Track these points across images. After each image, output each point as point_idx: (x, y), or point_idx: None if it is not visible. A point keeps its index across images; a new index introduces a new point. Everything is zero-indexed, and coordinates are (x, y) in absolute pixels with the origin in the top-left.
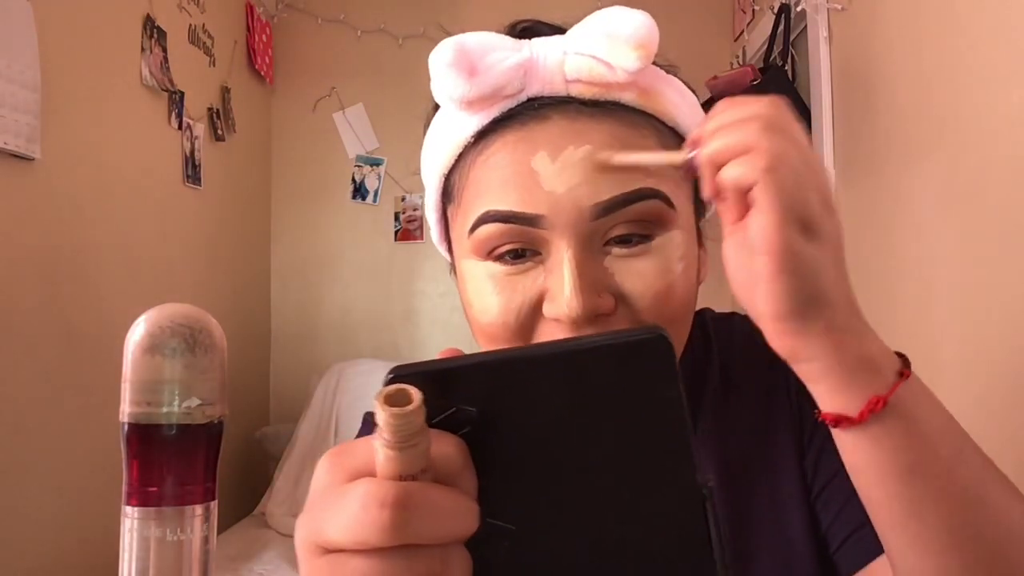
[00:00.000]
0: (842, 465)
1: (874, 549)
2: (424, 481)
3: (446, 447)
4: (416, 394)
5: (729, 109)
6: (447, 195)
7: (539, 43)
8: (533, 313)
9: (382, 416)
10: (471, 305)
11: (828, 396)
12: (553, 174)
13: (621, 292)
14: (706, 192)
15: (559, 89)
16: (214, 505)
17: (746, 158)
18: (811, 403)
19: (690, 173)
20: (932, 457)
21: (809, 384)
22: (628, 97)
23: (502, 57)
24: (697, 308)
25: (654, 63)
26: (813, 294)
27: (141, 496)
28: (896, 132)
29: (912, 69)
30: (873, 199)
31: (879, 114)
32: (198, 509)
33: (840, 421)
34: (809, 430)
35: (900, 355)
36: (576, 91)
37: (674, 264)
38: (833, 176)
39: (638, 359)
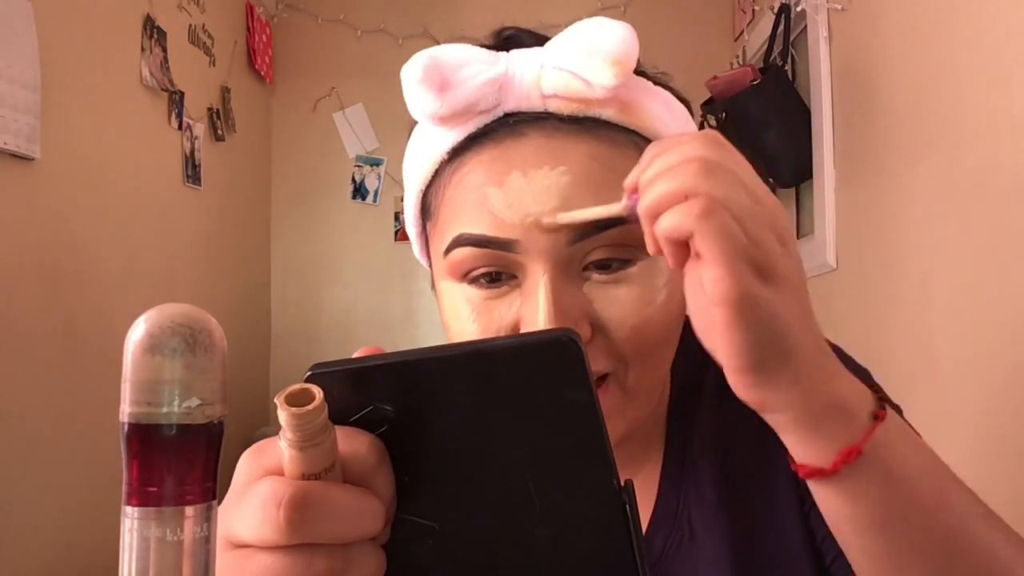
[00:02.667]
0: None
1: None
2: (329, 480)
3: (359, 446)
4: (318, 393)
5: (664, 152)
6: (425, 211)
7: (516, 56)
8: None
9: (283, 416)
10: (449, 328)
11: (799, 447)
12: (527, 196)
13: (599, 321)
14: (650, 247)
15: (536, 105)
16: (214, 505)
17: (681, 206)
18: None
19: (635, 221)
20: (912, 505)
21: (780, 434)
22: (608, 113)
23: (476, 71)
24: None
25: (643, 73)
26: (775, 342)
27: (141, 496)
28: (896, 132)
29: (912, 69)
30: (873, 199)
31: (879, 114)
32: (198, 509)
33: (813, 473)
34: None
35: (875, 389)
36: (554, 107)
37: (656, 292)
38: (786, 213)
39: (549, 360)
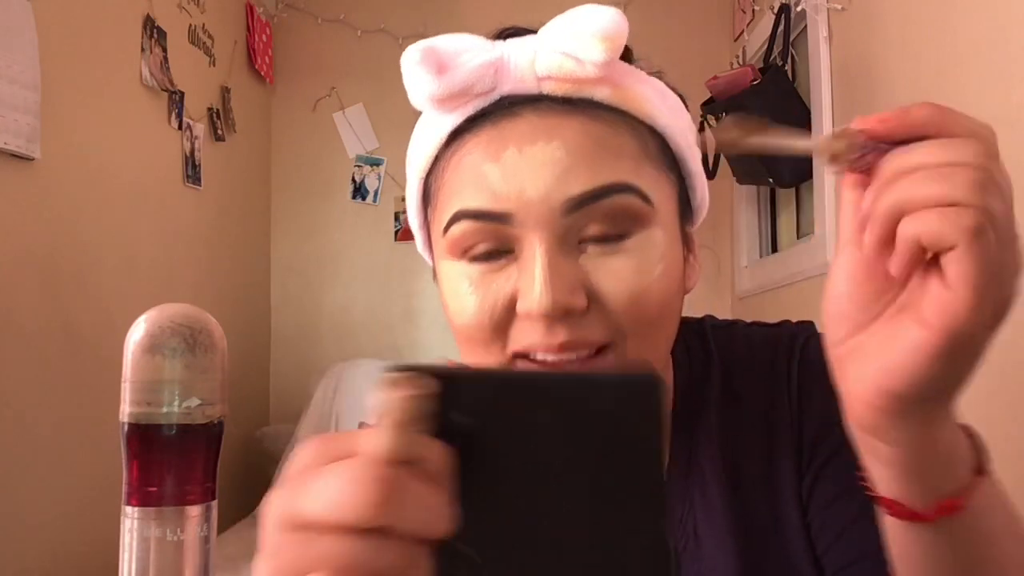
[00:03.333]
0: (839, 494)
1: None
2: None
3: (438, 453)
4: (426, 383)
5: (934, 147)
6: (426, 198)
7: (511, 43)
8: (507, 312)
9: (386, 397)
10: (448, 306)
11: (899, 485)
12: (522, 170)
13: (596, 291)
14: (871, 242)
15: (531, 87)
16: (214, 505)
17: (948, 213)
18: (812, 422)
19: (841, 169)
20: (992, 556)
21: (871, 461)
22: (601, 94)
23: (472, 56)
24: (698, 316)
25: (639, 66)
26: (952, 387)
27: (141, 496)
28: None
29: (912, 69)
30: None
31: None
32: (198, 509)
33: (907, 515)
34: (807, 452)
35: (973, 439)
36: (548, 88)
37: (652, 264)
38: None
39: (625, 398)
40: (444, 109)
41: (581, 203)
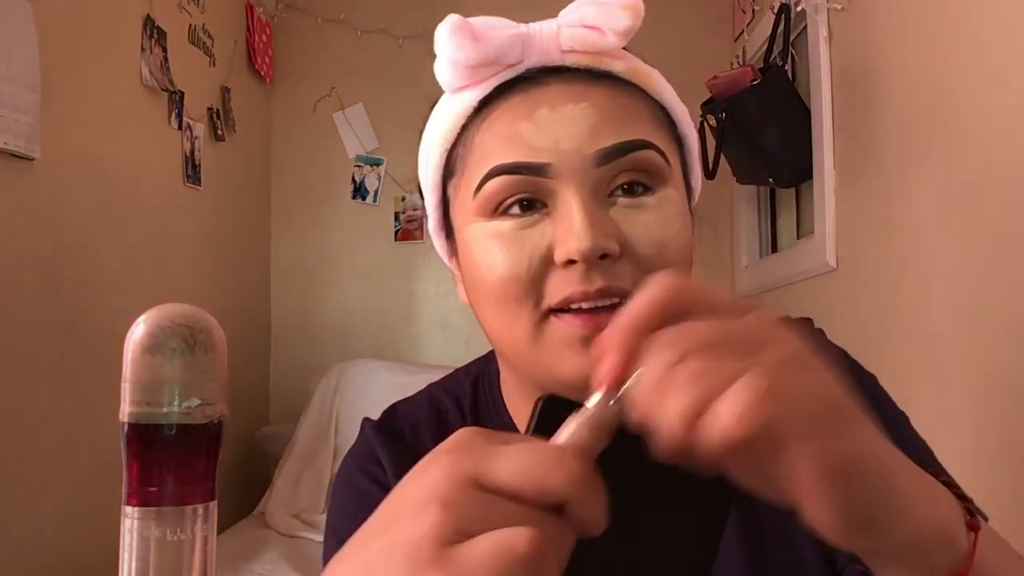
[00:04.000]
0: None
1: None
2: None
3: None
4: (617, 404)
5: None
6: (449, 170)
7: (535, 23)
8: (543, 265)
9: (598, 400)
10: (479, 266)
11: (901, 572)
12: (556, 125)
13: (626, 239)
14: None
15: (556, 59)
16: (214, 505)
17: (737, 391)
18: None
19: None
20: None
21: (879, 568)
22: (619, 67)
23: (501, 30)
24: None
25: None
26: (877, 499)
27: (141, 496)
28: (896, 132)
29: (912, 69)
30: (873, 199)
31: (879, 114)
32: (198, 509)
33: None
34: None
35: (956, 492)
36: (572, 60)
37: (674, 217)
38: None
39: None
40: (473, 78)
41: (611, 155)
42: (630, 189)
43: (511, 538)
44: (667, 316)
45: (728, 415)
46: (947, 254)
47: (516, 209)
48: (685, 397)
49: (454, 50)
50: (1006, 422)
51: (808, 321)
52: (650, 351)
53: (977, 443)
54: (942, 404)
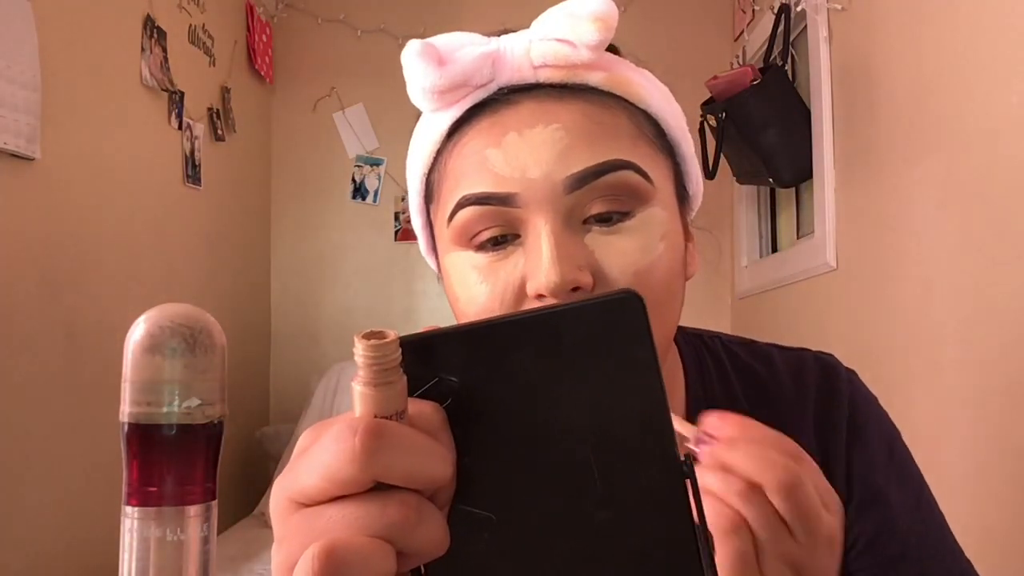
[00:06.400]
0: (879, 532)
1: None
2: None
3: (424, 407)
4: (392, 332)
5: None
6: (428, 196)
7: (506, 37)
8: (517, 297)
9: (359, 350)
10: (458, 299)
11: None
12: (524, 152)
13: (600, 269)
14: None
15: (527, 76)
16: (214, 505)
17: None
18: (863, 458)
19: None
20: None
21: None
22: (596, 78)
23: (470, 50)
24: (710, 331)
25: (626, 60)
26: None
27: (141, 496)
28: (896, 132)
29: (912, 69)
30: (873, 199)
31: (879, 114)
32: (198, 509)
33: None
34: (847, 485)
35: None
36: (544, 76)
37: (655, 242)
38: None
39: (610, 320)
40: (444, 102)
41: (583, 180)
42: (606, 218)
43: (307, 559)
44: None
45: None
46: (947, 254)
47: (490, 243)
48: (738, 533)
49: (420, 77)
50: (1006, 422)
51: (831, 358)
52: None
53: (977, 443)
54: (942, 404)
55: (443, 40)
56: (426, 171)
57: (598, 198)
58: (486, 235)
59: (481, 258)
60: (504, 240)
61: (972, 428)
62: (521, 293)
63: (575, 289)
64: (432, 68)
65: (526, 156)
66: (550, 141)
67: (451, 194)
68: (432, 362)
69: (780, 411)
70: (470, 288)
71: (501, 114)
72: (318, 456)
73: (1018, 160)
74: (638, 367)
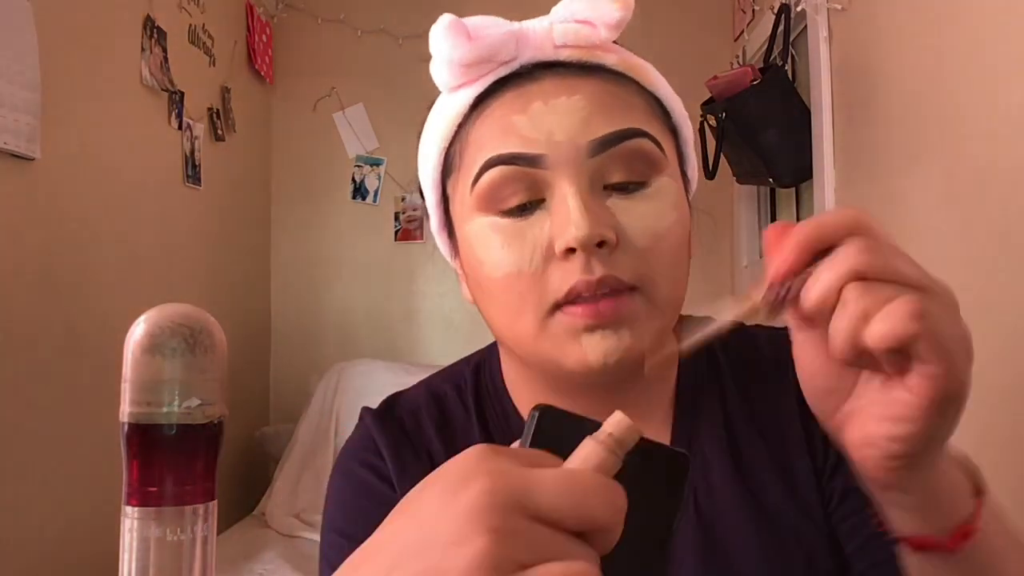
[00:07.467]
0: (867, 503)
1: None
2: None
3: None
4: (636, 427)
5: (842, 264)
6: (447, 168)
7: (528, 20)
8: (545, 260)
9: (617, 423)
10: (481, 263)
11: (916, 523)
12: (549, 117)
13: (622, 230)
14: (843, 359)
15: (549, 55)
16: (214, 505)
17: (890, 311)
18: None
19: (772, 313)
20: (1005, 571)
21: (891, 509)
22: (611, 60)
23: (495, 29)
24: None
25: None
26: (948, 431)
27: (141, 496)
28: (896, 132)
29: (912, 69)
30: (873, 199)
31: (879, 114)
32: (198, 509)
33: (930, 547)
34: (824, 449)
35: (964, 463)
36: (565, 55)
37: (669, 209)
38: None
39: (666, 467)
40: (468, 76)
41: (606, 144)
42: (623, 187)
43: (571, 571)
44: (838, 238)
45: (883, 324)
46: (947, 254)
47: (514, 207)
48: (854, 308)
49: (449, 49)
50: (1006, 421)
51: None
52: (828, 260)
53: (976, 444)
54: None
55: (469, 20)
56: (446, 144)
57: (617, 166)
58: (513, 200)
59: (506, 222)
60: (529, 205)
61: (972, 427)
62: (549, 252)
63: (600, 244)
64: (462, 41)
65: (552, 122)
66: (574, 109)
67: (475, 158)
68: (570, 440)
69: (766, 386)
70: (494, 252)
71: (525, 87)
72: (569, 484)
73: (1018, 160)
74: (669, 501)
